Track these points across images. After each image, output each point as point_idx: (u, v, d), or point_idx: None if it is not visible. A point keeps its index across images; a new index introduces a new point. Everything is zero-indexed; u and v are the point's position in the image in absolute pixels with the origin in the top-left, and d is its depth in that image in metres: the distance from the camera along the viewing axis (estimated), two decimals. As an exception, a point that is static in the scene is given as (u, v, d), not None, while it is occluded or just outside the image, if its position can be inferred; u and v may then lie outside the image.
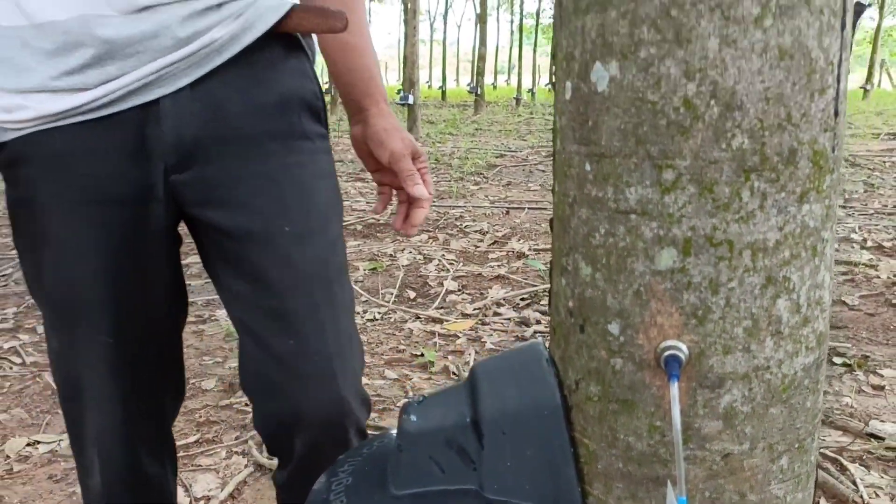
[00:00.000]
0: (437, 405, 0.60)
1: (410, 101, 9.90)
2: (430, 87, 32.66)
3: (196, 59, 0.81)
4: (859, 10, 0.53)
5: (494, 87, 30.09)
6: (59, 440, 2.04)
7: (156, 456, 1.01)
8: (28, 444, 2.02)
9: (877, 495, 1.67)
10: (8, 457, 1.96)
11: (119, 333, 0.90)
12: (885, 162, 7.87)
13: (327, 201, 0.92)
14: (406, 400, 0.66)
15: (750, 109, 0.48)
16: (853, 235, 4.36)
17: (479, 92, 14.36)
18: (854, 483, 1.67)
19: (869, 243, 4.21)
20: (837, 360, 2.57)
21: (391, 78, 55.14)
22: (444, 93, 21.00)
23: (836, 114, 0.50)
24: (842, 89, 0.50)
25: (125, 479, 0.98)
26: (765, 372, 0.52)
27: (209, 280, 0.94)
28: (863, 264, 3.74)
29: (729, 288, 0.50)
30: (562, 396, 0.57)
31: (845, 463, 1.77)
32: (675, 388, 0.49)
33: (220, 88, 0.83)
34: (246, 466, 1.90)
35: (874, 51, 20.19)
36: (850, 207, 5.31)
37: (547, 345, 0.62)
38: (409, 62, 9.98)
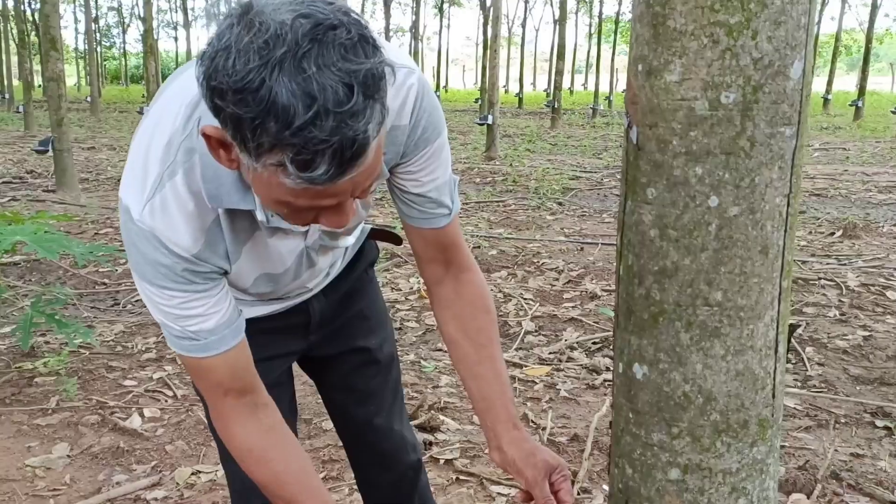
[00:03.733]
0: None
1: (490, 121, 10.40)
2: (506, 90, 32.96)
3: (328, 280, 1.33)
4: (793, 329, 0.92)
5: (571, 93, 30.14)
6: (216, 470, 2.54)
7: None
8: (192, 474, 2.53)
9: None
10: (178, 484, 2.46)
11: None
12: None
13: (386, 312, 1.48)
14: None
15: (720, 400, 0.86)
16: (917, 283, 4.52)
17: (556, 106, 14.64)
18: (871, 548, 1.98)
19: (932, 293, 4.36)
20: (880, 422, 2.83)
21: (468, 80, 55.68)
22: (520, 100, 21.23)
23: (774, 396, 0.89)
24: (778, 382, 0.89)
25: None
26: (731, 538, 0.91)
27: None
28: (922, 317, 3.93)
29: (710, 492, 0.89)
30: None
31: (867, 529, 2.08)
32: (675, 550, 0.88)
33: (340, 281, 1.35)
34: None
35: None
36: (921, 249, 5.42)
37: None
38: (489, 84, 10.42)
